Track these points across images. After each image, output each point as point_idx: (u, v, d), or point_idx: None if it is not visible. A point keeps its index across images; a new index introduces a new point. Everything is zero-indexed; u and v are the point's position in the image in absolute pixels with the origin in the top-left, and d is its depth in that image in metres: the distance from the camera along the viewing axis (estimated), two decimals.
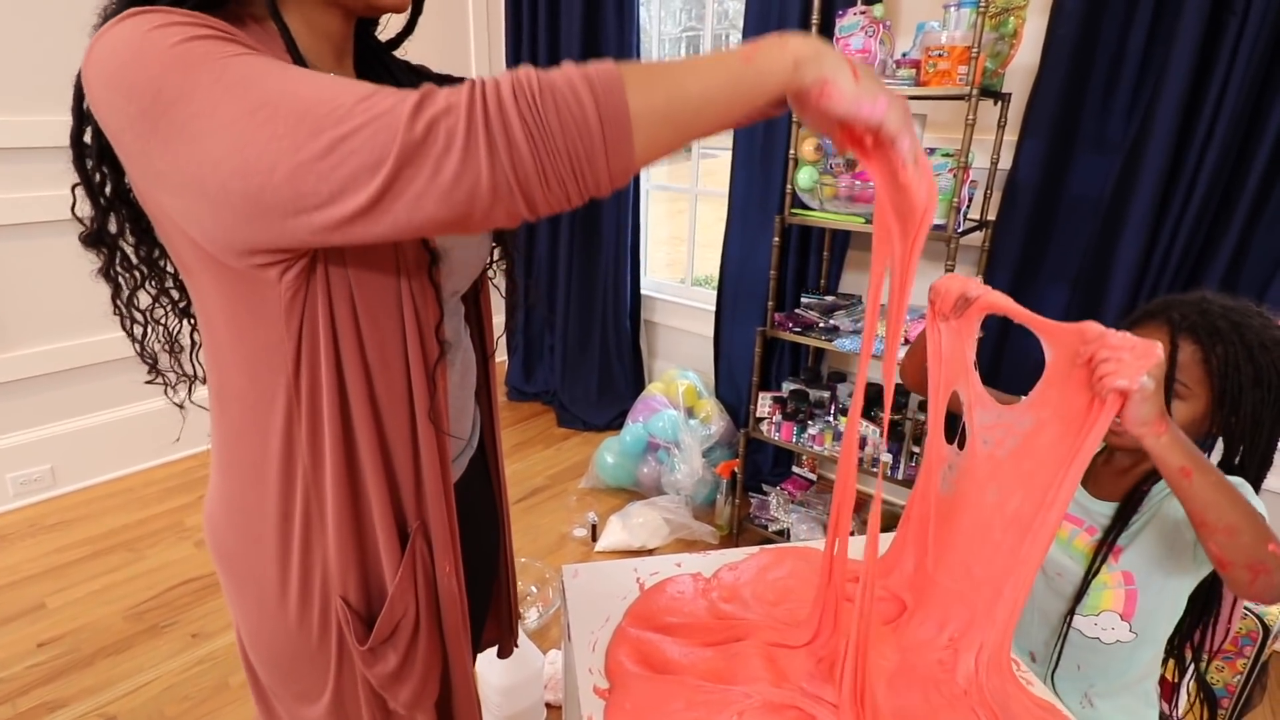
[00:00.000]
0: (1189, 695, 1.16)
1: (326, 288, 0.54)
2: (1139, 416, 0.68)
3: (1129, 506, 0.94)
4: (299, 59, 0.54)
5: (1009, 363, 1.98)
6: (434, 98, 0.43)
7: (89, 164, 0.56)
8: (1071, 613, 0.97)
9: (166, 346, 0.68)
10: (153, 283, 0.64)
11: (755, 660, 0.78)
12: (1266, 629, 1.28)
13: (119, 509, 2.36)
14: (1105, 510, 0.97)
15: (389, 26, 0.70)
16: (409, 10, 0.63)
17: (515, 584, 0.98)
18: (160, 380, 0.68)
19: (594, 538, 2.27)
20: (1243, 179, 1.54)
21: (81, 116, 0.55)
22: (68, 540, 2.20)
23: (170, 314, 0.67)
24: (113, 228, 0.59)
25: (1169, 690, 1.07)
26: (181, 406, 0.68)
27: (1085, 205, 1.79)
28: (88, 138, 0.55)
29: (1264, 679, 1.31)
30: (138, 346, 0.66)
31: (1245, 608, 1.22)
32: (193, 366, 0.69)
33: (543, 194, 0.45)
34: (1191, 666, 1.05)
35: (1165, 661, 1.02)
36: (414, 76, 0.72)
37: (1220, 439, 0.91)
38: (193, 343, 0.69)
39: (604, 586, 0.97)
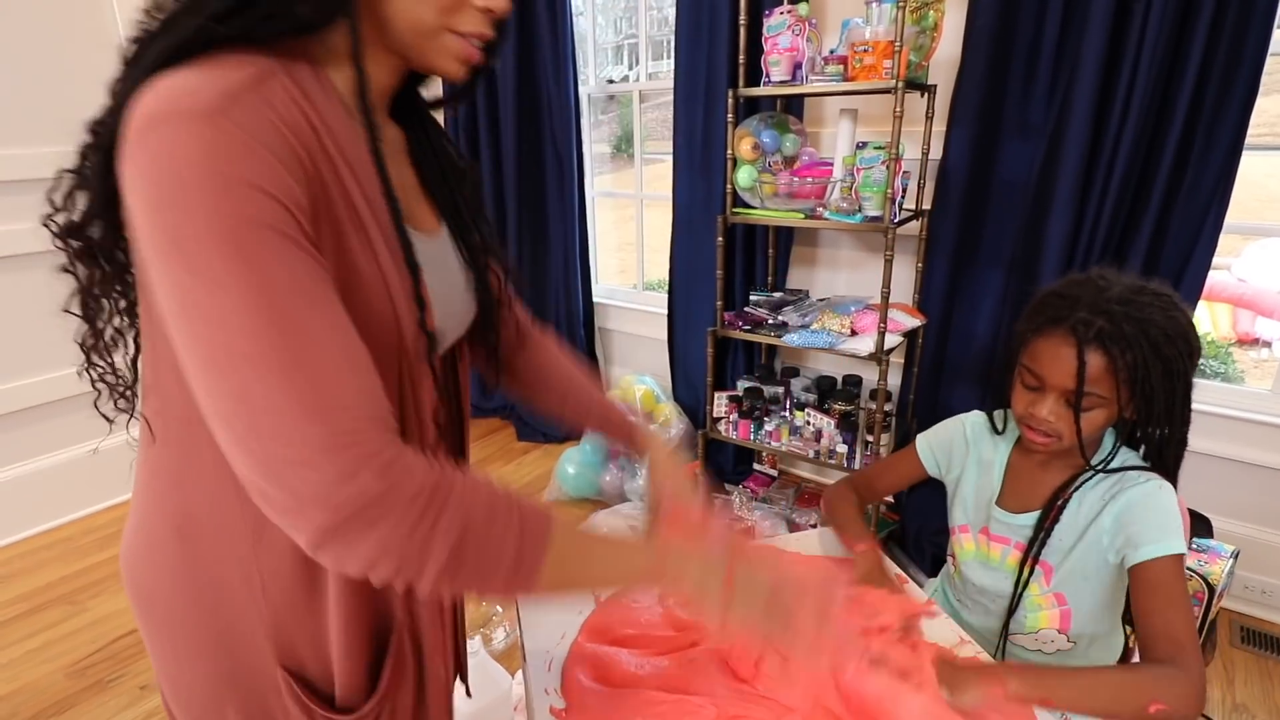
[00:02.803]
0: None
1: None
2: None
3: (1049, 514, 0.94)
4: (366, 107, 0.51)
5: (954, 346, 2.02)
6: (378, 505, 0.43)
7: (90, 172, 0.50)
8: (1006, 627, 0.99)
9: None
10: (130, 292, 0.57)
11: (711, 666, 0.78)
12: (1211, 588, 1.32)
13: (56, 560, 2.24)
14: (1028, 522, 0.97)
15: None
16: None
17: (463, 619, 0.93)
18: (126, 406, 0.61)
19: None
20: (1158, 158, 1.60)
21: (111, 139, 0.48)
22: (2, 598, 2.07)
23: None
24: (95, 233, 0.53)
25: (1125, 659, 1.10)
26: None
27: (1014, 189, 1.84)
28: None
29: (1213, 636, 1.36)
30: (105, 366, 0.58)
31: (1188, 568, 1.26)
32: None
33: (430, 589, 0.48)
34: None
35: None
36: (438, 134, 0.67)
37: (1138, 432, 0.93)
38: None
39: (559, 602, 0.95)
